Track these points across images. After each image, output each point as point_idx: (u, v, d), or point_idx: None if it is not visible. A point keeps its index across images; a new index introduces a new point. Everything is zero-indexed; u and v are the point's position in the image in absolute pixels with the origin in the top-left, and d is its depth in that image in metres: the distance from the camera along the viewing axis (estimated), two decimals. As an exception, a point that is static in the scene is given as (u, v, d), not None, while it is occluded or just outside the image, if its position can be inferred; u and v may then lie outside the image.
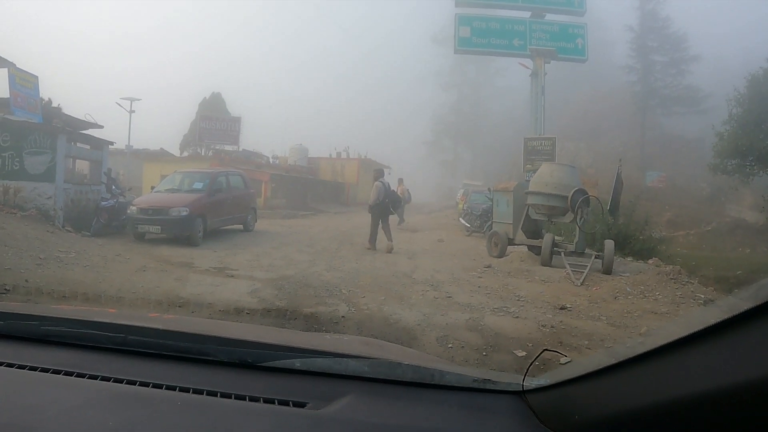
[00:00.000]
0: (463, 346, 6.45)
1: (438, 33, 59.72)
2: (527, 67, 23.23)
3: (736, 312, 0.95)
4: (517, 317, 8.01)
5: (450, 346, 6.45)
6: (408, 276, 11.15)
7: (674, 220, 35.29)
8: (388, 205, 15.70)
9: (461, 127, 72.42)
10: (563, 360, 4.69)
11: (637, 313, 8.65)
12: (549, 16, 24.30)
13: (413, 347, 5.70)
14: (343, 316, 7.55)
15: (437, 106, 75.31)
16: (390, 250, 14.92)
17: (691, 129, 47.68)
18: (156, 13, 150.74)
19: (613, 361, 1.28)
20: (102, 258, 11.77)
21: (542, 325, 7.55)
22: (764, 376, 0.87)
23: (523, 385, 1.63)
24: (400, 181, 26.55)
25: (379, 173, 16.48)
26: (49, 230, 14.09)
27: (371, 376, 1.72)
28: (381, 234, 15.15)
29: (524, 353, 6.20)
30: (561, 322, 7.79)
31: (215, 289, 9.16)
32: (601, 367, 1.32)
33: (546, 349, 1.96)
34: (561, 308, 8.66)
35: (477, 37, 23.80)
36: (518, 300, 9.17)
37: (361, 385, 1.68)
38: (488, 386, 1.68)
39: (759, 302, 0.91)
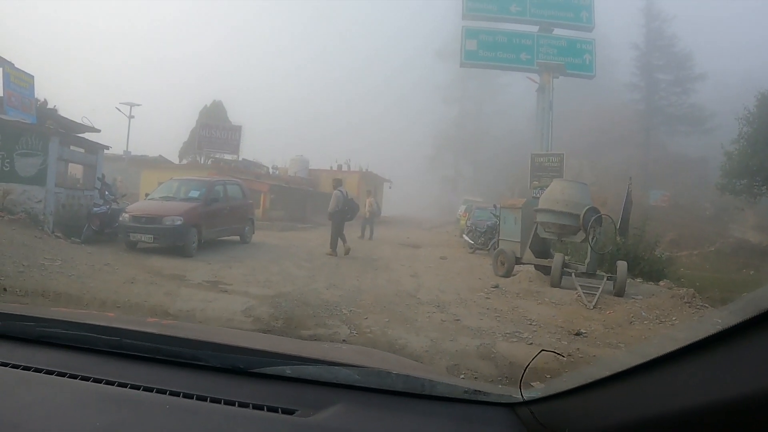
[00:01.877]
0: (476, 377, 5.95)
1: (442, 47, 59.65)
2: (535, 81, 22.93)
3: (726, 326, 0.94)
4: (531, 344, 7.55)
5: (462, 376, 5.90)
6: (412, 296, 10.65)
7: (677, 240, 34.84)
8: (346, 213, 16.72)
9: (462, 142, 72.43)
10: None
11: (656, 340, 8.14)
12: (557, 31, 24.06)
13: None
14: (344, 340, 7.00)
15: (438, 120, 75.60)
16: (347, 252, 16.32)
17: (695, 148, 47.47)
18: (159, 18, 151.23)
19: (603, 374, 1.27)
20: (89, 267, 11.25)
21: (558, 353, 7.04)
22: (756, 390, 0.84)
23: (514, 397, 1.63)
24: (369, 193, 26.43)
25: (337, 183, 17.50)
26: (37, 235, 13.53)
27: (362, 385, 1.71)
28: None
29: (542, 386, 5.66)
30: (578, 349, 7.36)
31: (206, 305, 8.59)
32: (591, 380, 1.32)
33: (543, 350, 1.74)
34: (576, 334, 8.32)
35: (484, 50, 23.63)
36: (530, 324, 8.73)
37: (352, 394, 1.68)
38: (479, 398, 1.68)
39: (748, 316, 0.90)
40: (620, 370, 1.21)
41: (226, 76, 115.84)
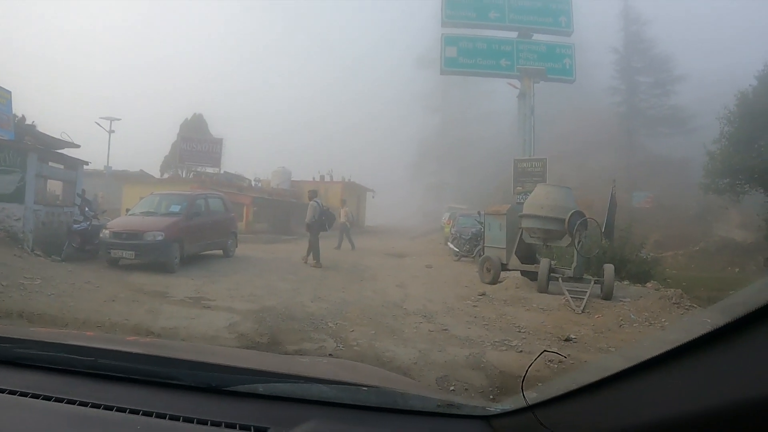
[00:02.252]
0: (467, 388, 5.84)
1: (423, 55, 59.83)
2: (515, 87, 22.89)
3: (715, 326, 0.91)
4: (521, 351, 7.47)
5: (452, 388, 5.80)
6: (399, 306, 10.53)
7: (662, 240, 34.99)
8: (324, 222, 17.06)
9: (445, 150, 72.66)
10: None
11: (646, 342, 8.07)
12: (536, 37, 24.08)
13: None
14: (330, 354, 6.86)
15: (421, 129, 76.03)
16: (316, 265, 16.44)
17: (677, 149, 47.72)
18: (139, 31, 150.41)
19: (575, 386, 1.26)
20: (70, 285, 11.02)
21: (549, 360, 6.93)
22: (749, 396, 0.82)
23: (488, 410, 1.65)
24: (343, 202, 26.17)
25: (312, 194, 17.82)
26: (16, 254, 13.30)
27: (335, 401, 1.71)
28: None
29: (535, 395, 5.55)
30: (569, 355, 7.28)
31: (190, 322, 8.41)
32: (563, 392, 1.30)
33: (545, 350, 1.66)
34: (566, 340, 8.28)
35: (464, 57, 23.56)
36: (519, 332, 8.65)
37: (326, 410, 1.68)
38: (453, 411, 1.68)
39: (737, 316, 0.87)
40: (591, 381, 1.21)
41: (208, 89, 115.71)
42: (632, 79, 50.15)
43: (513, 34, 23.89)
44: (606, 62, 53.11)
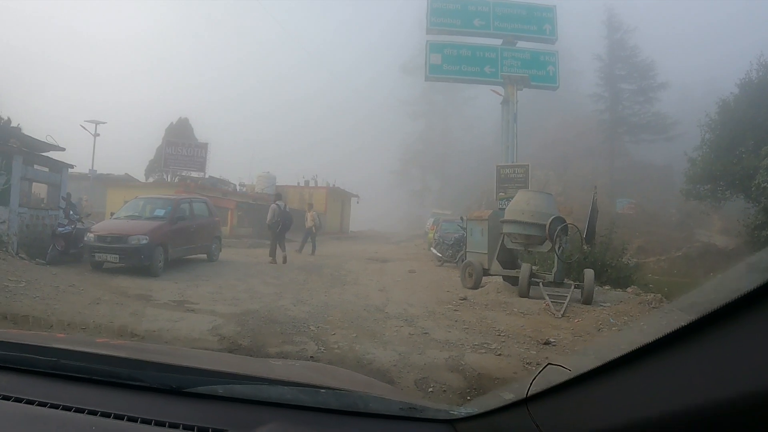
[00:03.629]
0: (444, 390, 5.94)
1: (407, 62, 60.27)
2: (499, 94, 23.06)
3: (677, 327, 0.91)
4: (499, 354, 7.56)
5: (430, 390, 5.90)
6: (380, 310, 10.59)
7: (644, 246, 35.32)
8: (284, 224, 18.65)
9: (429, 156, 72.91)
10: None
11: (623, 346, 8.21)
12: (520, 44, 24.27)
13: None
14: (311, 357, 6.94)
15: (405, 135, 76.09)
16: (284, 261, 18.23)
17: (660, 156, 48.14)
18: (124, 35, 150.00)
19: (538, 389, 1.26)
20: (54, 288, 11.03)
21: (527, 363, 7.12)
22: (704, 401, 0.82)
23: (452, 413, 1.64)
24: (310, 206, 25.71)
25: (276, 197, 19.76)
26: (0, 257, 13.26)
27: (294, 403, 1.70)
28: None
29: (512, 395, 5.67)
30: (547, 358, 7.29)
31: (173, 325, 8.45)
32: (525, 396, 1.29)
33: (550, 364, 1.70)
34: (545, 343, 8.34)
35: (448, 64, 23.67)
36: (499, 335, 8.72)
37: (287, 413, 1.67)
38: (415, 414, 1.67)
39: (697, 316, 0.87)
40: (554, 384, 1.21)
41: (193, 93, 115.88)
42: (615, 86, 50.41)
43: (497, 42, 24.04)
44: (589, 69, 53.53)
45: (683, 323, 0.91)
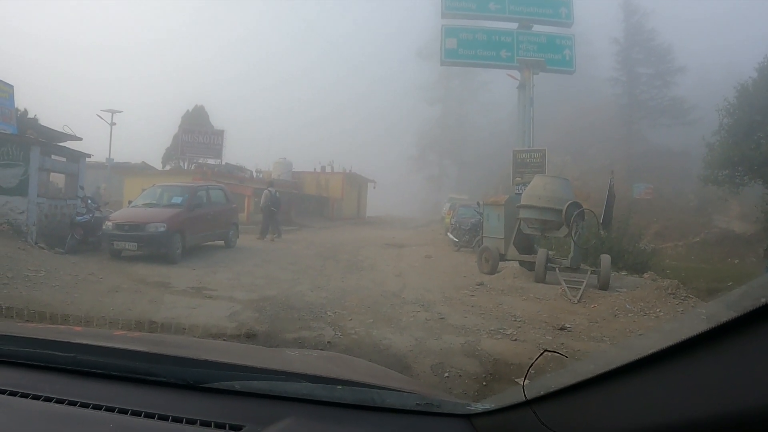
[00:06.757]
0: (460, 375, 5.95)
1: (423, 47, 59.79)
2: (515, 78, 22.91)
3: (718, 322, 0.85)
4: (515, 340, 7.56)
5: (446, 375, 5.92)
6: (397, 295, 10.64)
7: (662, 231, 35.05)
8: (275, 207, 21.77)
9: (446, 142, 72.62)
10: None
11: (640, 332, 8.28)
12: (536, 28, 24.06)
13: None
14: (329, 342, 7.00)
15: (422, 121, 75.76)
16: (273, 240, 21.27)
17: (677, 141, 47.60)
18: (140, 24, 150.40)
19: (555, 387, 1.25)
20: (73, 277, 11.16)
21: (543, 349, 7.04)
22: (709, 413, 0.81)
23: (468, 408, 1.62)
24: (269, 183, 24.36)
25: (269, 183, 23.32)
26: (20, 247, 13.39)
27: (311, 398, 1.68)
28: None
29: (528, 382, 5.68)
30: (562, 344, 7.37)
31: (191, 312, 8.56)
32: (544, 392, 1.28)
33: (546, 350, 1.72)
34: (561, 329, 8.31)
35: (464, 48, 23.55)
36: (515, 321, 8.72)
37: (303, 408, 1.66)
38: (432, 409, 1.65)
39: (745, 311, 0.80)
40: (574, 382, 1.18)
41: (209, 80, 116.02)
42: (632, 70, 49.80)
43: (513, 25, 23.86)
44: (606, 53, 52.79)
45: (703, 329, 0.88)
